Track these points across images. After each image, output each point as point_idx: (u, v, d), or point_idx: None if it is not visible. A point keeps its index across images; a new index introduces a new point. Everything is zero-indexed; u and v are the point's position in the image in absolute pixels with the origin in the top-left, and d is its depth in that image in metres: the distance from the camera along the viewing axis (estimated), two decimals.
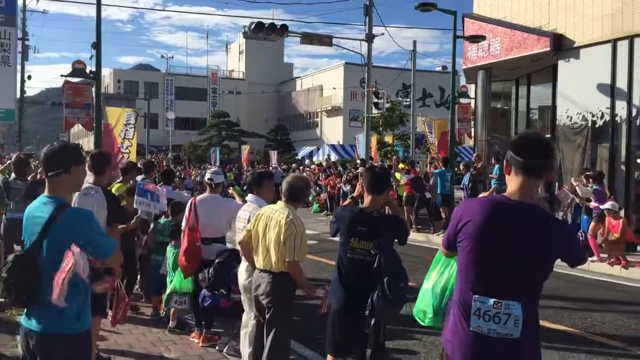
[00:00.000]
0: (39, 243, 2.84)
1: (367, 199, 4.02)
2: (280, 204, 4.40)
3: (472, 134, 19.98)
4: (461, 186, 15.14)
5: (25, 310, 2.95)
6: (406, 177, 15.45)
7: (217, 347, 5.63)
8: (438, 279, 3.09)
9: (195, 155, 48.05)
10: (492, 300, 2.46)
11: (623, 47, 13.75)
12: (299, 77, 65.38)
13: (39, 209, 2.94)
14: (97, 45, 12.07)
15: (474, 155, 17.74)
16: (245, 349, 4.87)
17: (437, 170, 15.05)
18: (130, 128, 12.26)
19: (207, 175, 6.14)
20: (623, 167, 13.44)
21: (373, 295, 3.68)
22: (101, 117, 12.29)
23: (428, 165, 19.41)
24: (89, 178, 5.18)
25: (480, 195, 3.12)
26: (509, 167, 2.61)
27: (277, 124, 58.97)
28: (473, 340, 2.49)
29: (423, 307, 3.13)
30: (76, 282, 2.78)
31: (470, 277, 2.54)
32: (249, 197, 5.07)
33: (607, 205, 10.61)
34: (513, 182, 2.57)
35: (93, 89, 12.52)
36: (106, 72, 59.12)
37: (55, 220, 2.83)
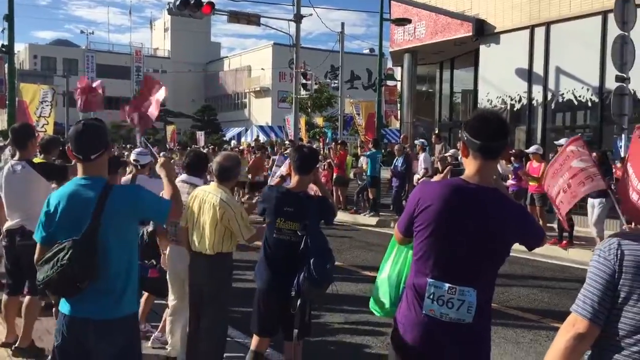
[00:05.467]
0: (96, 224, 2.75)
1: (294, 179, 4.00)
2: (212, 185, 4.31)
3: (399, 116, 20.34)
4: (391, 168, 15.29)
5: (67, 299, 2.84)
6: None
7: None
8: (393, 268, 3.00)
9: (118, 135, 46.47)
10: (447, 285, 2.44)
11: (540, 33, 14.36)
12: (226, 56, 64.27)
13: (78, 192, 2.83)
14: (9, 17, 11.39)
15: (401, 136, 18.08)
16: (175, 335, 4.79)
17: (368, 153, 15.17)
18: (47, 106, 11.66)
19: (133, 157, 5.95)
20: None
21: (299, 276, 3.69)
22: (15, 94, 11.63)
23: (358, 147, 19.59)
24: (16, 155, 5.09)
25: (436, 178, 3.02)
26: (466, 149, 2.53)
27: (204, 104, 57.82)
28: (425, 323, 2.48)
29: (380, 298, 3.03)
30: (133, 265, 2.89)
31: (426, 261, 2.50)
32: (183, 176, 4.89)
33: (532, 149, 11.18)
34: (471, 165, 2.51)
35: (6, 65, 11.84)
36: (21, 47, 56.06)
37: (107, 199, 2.78)
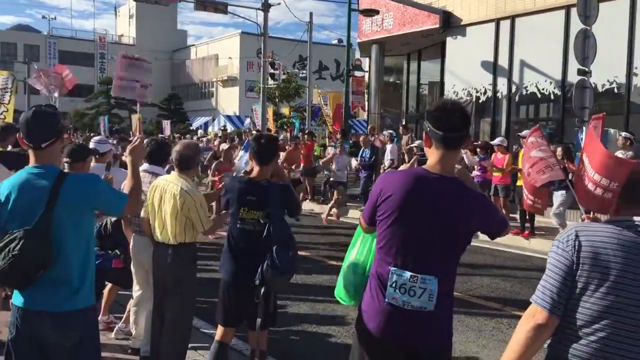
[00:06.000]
0: (49, 214, 2.66)
1: (255, 169, 3.99)
2: (173, 174, 4.27)
3: (366, 107, 20.39)
4: (358, 159, 15.29)
5: (21, 291, 2.74)
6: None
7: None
8: (358, 256, 3.02)
9: (81, 123, 45.52)
10: (408, 274, 2.47)
11: (505, 26, 14.55)
12: (193, 45, 63.42)
13: (30, 181, 2.73)
14: None
15: (368, 127, 18.14)
16: (139, 326, 4.75)
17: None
18: (6, 92, 11.32)
19: (91, 145, 5.83)
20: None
21: (263, 265, 3.69)
22: None
23: (326, 138, 19.58)
24: None
25: (402, 168, 3.05)
26: (428, 140, 2.56)
27: (170, 92, 56.97)
28: (387, 311, 2.51)
29: (345, 286, 3.04)
30: (90, 256, 2.84)
31: (389, 250, 2.54)
32: (145, 166, 4.83)
33: (497, 141, 11.38)
34: (434, 155, 2.54)
35: None
36: None
37: (60, 188, 2.69)
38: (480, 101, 15.33)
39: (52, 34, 58.93)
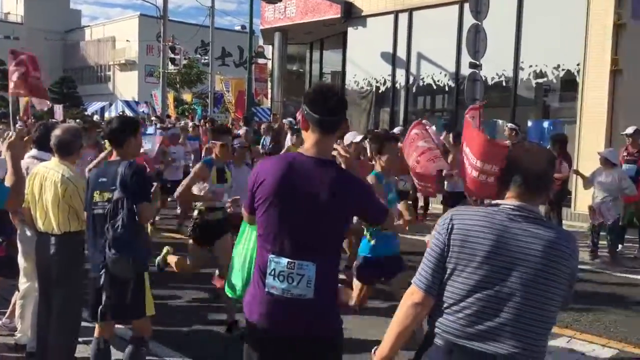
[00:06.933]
0: None
1: (113, 153, 3.86)
2: (54, 160, 4.05)
3: (269, 95, 20.33)
4: (261, 146, 15.19)
5: None
6: None
7: None
8: (244, 249, 2.96)
9: None
10: (286, 261, 2.38)
11: (403, 18, 14.97)
12: (88, 25, 60.47)
13: None
14: None
15: (271, 115, 18.10)
16: (26, 320, 4.51)
17: (238, 131, 14.95)
18: None
19: None
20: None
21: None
22: None
23: (229, 125, 19.29)
24: None
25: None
26: (305, 122, 2.51)
27: (62, 75, 53.95)
28: (268, 300, 2.43)
29: (233, 280, 3.01)
30: None
31: (267, 237, 2.45)
32: (33, 152, 4.59)
33: (396, 130, 11.75)
34: (310, 139, 2.48)
35: None
36: None
37: None
38: (380, 91, 15.72)
39: None
